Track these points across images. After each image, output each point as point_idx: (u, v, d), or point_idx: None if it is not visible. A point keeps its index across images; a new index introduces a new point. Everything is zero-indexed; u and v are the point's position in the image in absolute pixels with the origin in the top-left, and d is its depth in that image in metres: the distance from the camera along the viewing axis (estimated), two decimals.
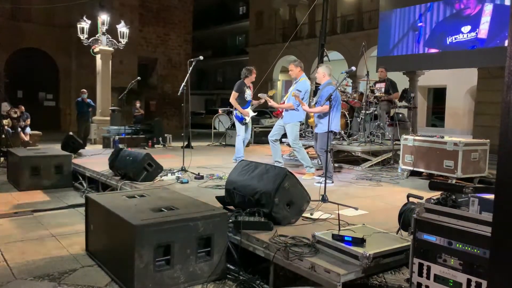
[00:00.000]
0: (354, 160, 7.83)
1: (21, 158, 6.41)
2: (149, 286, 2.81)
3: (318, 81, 5.83)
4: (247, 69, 7.19)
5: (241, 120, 7.03)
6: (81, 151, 8.54)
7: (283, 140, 7.14)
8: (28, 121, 12.06)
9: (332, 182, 5.55)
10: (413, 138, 6.37)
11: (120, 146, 8.12)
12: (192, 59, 6.15)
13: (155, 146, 10.56)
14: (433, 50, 11.26)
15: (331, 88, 5.34)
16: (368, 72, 8.09)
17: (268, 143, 6.74)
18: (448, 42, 10.85)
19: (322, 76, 5.71)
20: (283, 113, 6.35)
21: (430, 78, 18.03)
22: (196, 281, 3.02)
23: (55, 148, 8.21)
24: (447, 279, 2.29)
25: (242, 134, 7.09)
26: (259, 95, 7.03)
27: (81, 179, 6.82)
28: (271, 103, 6.68)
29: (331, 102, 4.70)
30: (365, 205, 4.30)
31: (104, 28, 12.99)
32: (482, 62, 10.88)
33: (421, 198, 2.82)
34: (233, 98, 6.97)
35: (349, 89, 8.67)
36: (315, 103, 5.96)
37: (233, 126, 12.60)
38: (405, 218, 2.86)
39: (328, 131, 5.04)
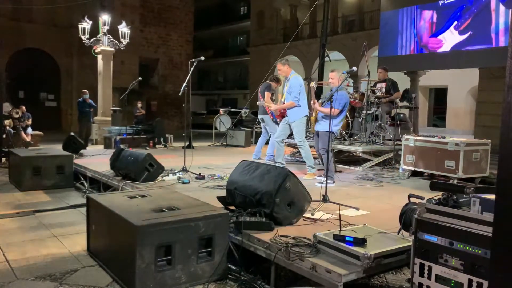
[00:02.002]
0: (355, 160, 7.83)
1: (23, 159, 6.42)
2: (150, 286, 2.82)
3: (333, 85, 5.83)
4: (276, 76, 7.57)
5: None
6: (82, 151, 8.54)
7: (285, 140, 7.15)
8: (30, 121, 12.07)
9: (333, 182, 5.55)
10: (414, 138, 6.36)
11: (121, 146, 8.14)
12: (193, 60, 6.16)
13: (156, 146, 10.57)
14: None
15: (342, 93, 5.58)
16: (369, 72, 8.09)
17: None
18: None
19: (339, 81, 5.73)
20: (287, 112, 6.35)
21: (431, 78, 18.04)
22: (197, 281, 3.03)
23: (57, 149, 8.19)
24: (448, 280, 2.29)
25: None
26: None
27: (82, 179, 6.82)
28: (272, 107, 6.71)
29: (332, 103, 4.76)
30: (366, 205, 4.30)
31: (105, 28, 13.01)
32: (484, 62, 10.87)
33: (422, 198, 2.82)
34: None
35: (350, 89, 8.67)
36: (323, 103, 5.99)
37: (235, 126, 12.63)
38: (406, 218, 2.86)
39: (329, 131, 5.05)
